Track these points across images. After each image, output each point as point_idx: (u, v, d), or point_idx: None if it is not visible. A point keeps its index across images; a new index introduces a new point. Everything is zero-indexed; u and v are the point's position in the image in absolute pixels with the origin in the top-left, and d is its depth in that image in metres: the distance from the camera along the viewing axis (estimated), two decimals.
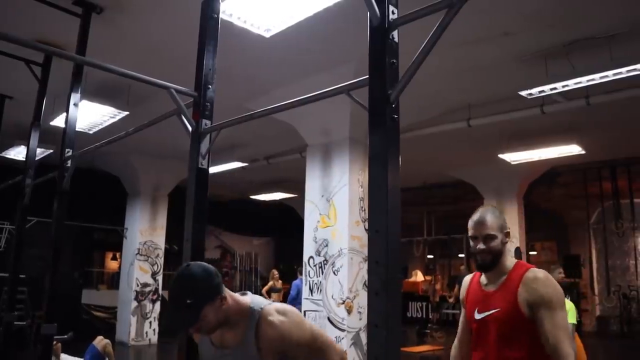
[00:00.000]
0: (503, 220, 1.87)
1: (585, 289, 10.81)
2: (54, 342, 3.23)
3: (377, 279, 1.33)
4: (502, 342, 1.77)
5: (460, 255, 11.32)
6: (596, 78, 4.10)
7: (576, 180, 9.48)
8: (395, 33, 1.48)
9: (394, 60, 1.46)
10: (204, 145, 2.10)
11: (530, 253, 11.28)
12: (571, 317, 4.04)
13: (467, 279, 2.05)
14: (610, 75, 4.01)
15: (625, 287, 10.69)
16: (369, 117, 1.44)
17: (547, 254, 12.13)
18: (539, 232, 10.92)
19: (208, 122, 2.12)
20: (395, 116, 1.42)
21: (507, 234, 1.89)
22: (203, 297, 1.42)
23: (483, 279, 1.93)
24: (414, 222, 11.67)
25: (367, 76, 1.49)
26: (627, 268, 11.05)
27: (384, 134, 1.38)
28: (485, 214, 1.85)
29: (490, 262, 1.83)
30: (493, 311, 1.80)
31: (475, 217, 1.88)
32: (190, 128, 2.15)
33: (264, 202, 11.29)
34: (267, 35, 3.54)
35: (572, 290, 4.54)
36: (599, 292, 10.72)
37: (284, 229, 12.32)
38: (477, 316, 1.87)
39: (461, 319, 2.05)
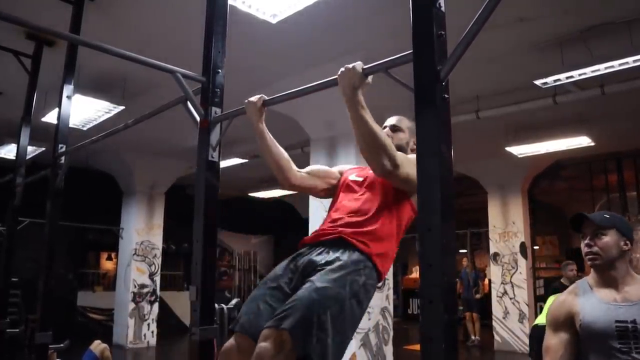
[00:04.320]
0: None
1: None
2: (49, 352, 3.03)
3: (430, 284, 1.14)
4: None
5: (462, 251, 11.17)
6: (615, 65, 3.93)
7: (580, 173, 9.34)
8: (442, 1, 1.28)
9: (442, 32, 1.26)
10: (214, 136, 1.90)
11: (533, 247, 11.16)
12: None
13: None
14: (630, 62, 3.83)
15: None
16: (415, 98, 1.24)
17: (549, 248, 12.03)
18: (541, 226, 10.80)
19: (218, 110, 1.92)
20: (446, 96, 1.23)
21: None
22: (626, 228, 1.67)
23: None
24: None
25: (411, 51, 1.30)
26: (630, 261, 10.97)
27: (435, 116, 1.19)
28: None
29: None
30: None
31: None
32: (198, 117, 1.94)
33: (263, 199, 11.08)
34: (274, 21, 3.34)
35: None
36: None
37: (284, 226, 12.12)
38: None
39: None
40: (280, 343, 1.37)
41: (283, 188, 2.01)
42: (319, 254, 1.63)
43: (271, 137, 1.87)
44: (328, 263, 1.57)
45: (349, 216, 1.71)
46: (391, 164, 1.57)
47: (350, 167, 2.06)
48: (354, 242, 1.62)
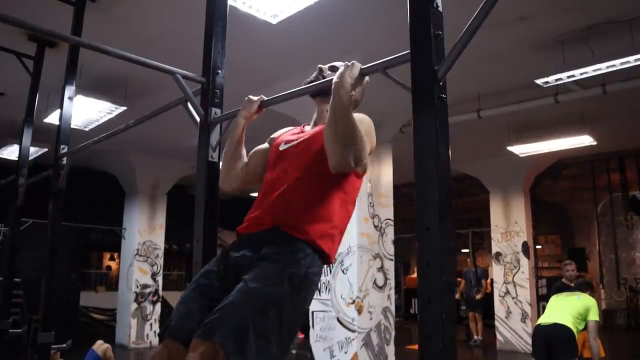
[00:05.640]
0: None
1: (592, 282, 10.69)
2: (52, 352, 3.04)
3: (428, 284, 1.15)
4: None
5: (464, 251, 11.15)
6: (616, 64, 3.92)
7: (582, 172, 9.33)
8: (439, 1, 1.29)
9: (440, 32, 1.27)
10: (214, 137, 1.91)
11: (535, 247, 11.15)
12: (596, 314, 3.88)
13: None
14: (632, 60, 3.82)
15: (632, 280, 10.58)
16: (412, 97, 1.25)
17: (551, 247, 12.01)
18: (542, 225, 10.79)
19: (218, 110, 1.93)
20: (444, 96, 1.23)
21: None
22: None
23: None
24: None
25: (408, 51, 1.30)
26: (633, 261, 10.94)
27: (433, 116, 1.19)
28: None
29: None
30: None
31: None
32: (198, 118, 1.95)
33: None
34: (274, 21, 3.34)
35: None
36: (606, 285, 10.59)
37: None
38: None
39: None
40: (210, 355, 1.22)
41: (224, 189, 1.78)
42: (253, 247, 1.45)
43: (243, 140, 1.75)
44: (262, 258, 1.40)
45: (277, 197, 1.49)
46: (355, 163, 1.40)
47: (280, 132, 1.79)
48: (288, 230, 1.44)
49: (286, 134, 1.72)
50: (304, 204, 1.47)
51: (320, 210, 1.48)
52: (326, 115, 1.55)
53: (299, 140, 1.60)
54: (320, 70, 1.73)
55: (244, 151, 1.75)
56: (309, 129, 1.69)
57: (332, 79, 1.45)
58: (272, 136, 1.78)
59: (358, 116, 1.49)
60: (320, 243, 1.45)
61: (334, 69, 1.73)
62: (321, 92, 1.67)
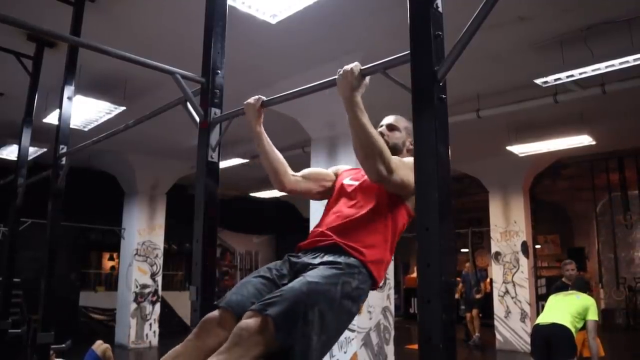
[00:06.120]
0: None
1: (590, 282, 10.70)
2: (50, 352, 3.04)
3: (428, 284, 1.15)
4: None
5: (463, 250, 11.16)
6: (615, 64, 3.92)
7: (581, 172, 9.34)
8: (439, 1, 1.29)
9: (440, 33, 1.27)
10: (214, 137, 1.91)
11: (535, 246, 11.17)
12: (595, 314, 3.88)
13: None
14: (631, 60, 3.82)
15: (630, 279, 10.59)
16: (412, 98, 1.25)
17: (551, 247, 12.02)
18: (542, 225, 10.80)
19: (218, 110, 1.93)
20: (444, 96, 1.23)
21: None
22: None
23: None
24: None
25: (408, 51, 1.30)
26: (632, 260, 10.96)
27: (432, 116, 1.19)
28: None
29: None
30: None
31: None
32: (197, 118, 1.95)
33: (264, 199, 11.09)
34: (273, 21, 3.33)
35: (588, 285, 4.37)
36: (605, 285, 10.60)
37: (285, 226, 12.12)
38: None
39: None
40: (262, 326, 1.34)
41: (278, 191, 1.98)
42: (314, 257, 1.62)
43: (268, 140, 1.86)
44: (323, 263, 1.56)
45: (343, 222, 1.69)
46: (386, 170, 1.54)
47: (346, 167, 2.04)
48: (348, 250, 1.61)
49: (351, 170, 1.98)
50: (365, 231, 1.66)
51: (378, 239, 1.67)
52: None
53: (362, 178, 1.82)
54: (381, 135, 1.81)
55: (276, 151, 1.88)
56: None
57: (334, 78, 1.51)
58: (337, 168, 2.03)
59: (404, 161, 1.68)
60: (372, 267, 1.63)
61: (392, 128, 1.93)
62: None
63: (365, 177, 1.76)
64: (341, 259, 1.57)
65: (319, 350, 1.42)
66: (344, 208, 1.75)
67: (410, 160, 1.62)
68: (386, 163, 1.54)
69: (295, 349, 1.35)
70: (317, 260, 1.59)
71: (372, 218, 1.69)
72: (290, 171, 1.90)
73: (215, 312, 1.50)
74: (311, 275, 1.48)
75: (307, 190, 1.92)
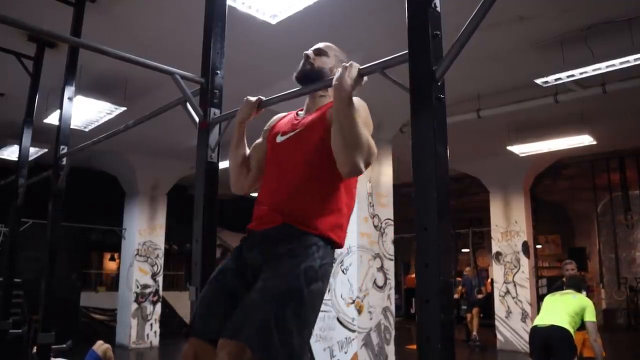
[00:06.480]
0: None
1: (591, 282, 10.69)
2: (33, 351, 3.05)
3: (426, 284, 1.15)
4: None
5: (464, 250, 11.15)
6: (616, 64, 3.91)
7: (582, 172, 9.33)
8: (437, 1, 1.29)
9: (438, 32, 1.27)
10: (213, 137, 1.91)
11: (535, 247, 11.17)
12: (592, 314, 3.86)
13: None
14: (631, 60, 3.82)
15: (631, 279, 10.58)
16: (411, 98, 1.25)
17: (552, 247, 12.01)
18: (543, 225, 10.80)
19: (217, 111, 1.93)
20: (442, 96, 1.23)
21: None
22: None
23: None
24: None
25: (406, 51, 1.31)
26: (633, 260, 10.95)
27: (431, 116, 1.20)
28: None
29: None
30: None
31: None
32: (197, 118, 1.95)
33: None
34: (273, 22, 3.34)
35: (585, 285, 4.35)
36: (606, 285, 10.59)
37: None
38: None
39: None
40: (239, 355, 1.28)
41: (237, 193, 1.80)
42: (266, 245, 1.48)
43: (243, 142, 1.75)
44: (277, 255, 1.44)
45: (287, 196, 1.50)
46: (363, 166, 1.40)
47: (272, 121, 1.77)
48: (299, 226, 1.46)
49: (280, 124, 1.70)
50: (312, 199, 1.49)
51: (328, 202, 1.51)
52: (319, 100, 1.65)
53: (295, 132, 1.59)
54: (307, 57, 1.73)
55: (247, 152, 1.76)
56: (302, 116, 1.68)
57: (331, 79, 1.46)
58: (265, 128, 1.77)
59: (355, 102, 1.46)
60: (331, 235, 1.49)
61: (319, 53, 1.75)
62: (310, 79, 1.67)
63: (297, 129, 1.59)
64: (295, 244, 1.44)
65: (304, 343, 1.39)
66: (284, 174, 1.54)
67: (360, 109, 1.48)
68: (366, 160, 1.40)
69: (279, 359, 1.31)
70: (269, 250, 1.46)
71: (317, 180, 1.50)
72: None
73: (189, 347, 1.44)
74: (270, 278, 1.39)
75: (258, 173, 1.74)
